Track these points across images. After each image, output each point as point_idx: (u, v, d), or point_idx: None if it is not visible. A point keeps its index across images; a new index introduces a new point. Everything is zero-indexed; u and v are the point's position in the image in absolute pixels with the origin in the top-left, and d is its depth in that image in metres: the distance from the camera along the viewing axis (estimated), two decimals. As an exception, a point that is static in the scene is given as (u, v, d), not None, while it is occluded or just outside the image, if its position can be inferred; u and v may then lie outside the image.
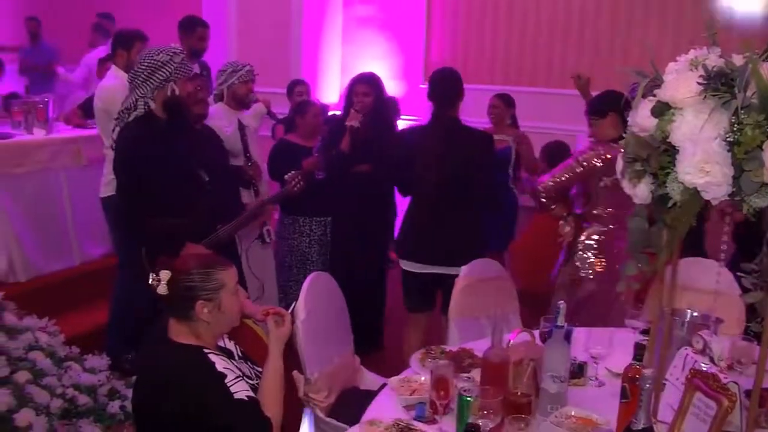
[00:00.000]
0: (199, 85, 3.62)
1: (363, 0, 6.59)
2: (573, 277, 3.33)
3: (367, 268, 4.34)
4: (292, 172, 3.51)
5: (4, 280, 4.14)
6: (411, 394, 2.18)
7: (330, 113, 5.31)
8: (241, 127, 4.07)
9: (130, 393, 3.53)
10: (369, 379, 2.95)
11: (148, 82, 2.87)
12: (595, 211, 3.33)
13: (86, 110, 5.08)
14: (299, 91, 5.10)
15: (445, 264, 3.39)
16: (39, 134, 4.41)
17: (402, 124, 5.56)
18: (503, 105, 5.16)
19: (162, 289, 1.94)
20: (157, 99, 2.90)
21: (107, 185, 3.90)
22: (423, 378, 2.24)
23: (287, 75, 6.00)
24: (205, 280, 1.94)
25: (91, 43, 7.18)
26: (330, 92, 6.71)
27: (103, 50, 6.98)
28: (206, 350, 1.94)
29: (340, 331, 2.87)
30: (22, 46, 7.85)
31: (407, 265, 3.55)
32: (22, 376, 3.30)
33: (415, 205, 3.55)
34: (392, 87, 6.44)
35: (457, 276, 3.24)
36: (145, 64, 2.89)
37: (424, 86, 6.57)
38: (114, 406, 3.42)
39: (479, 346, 2.51)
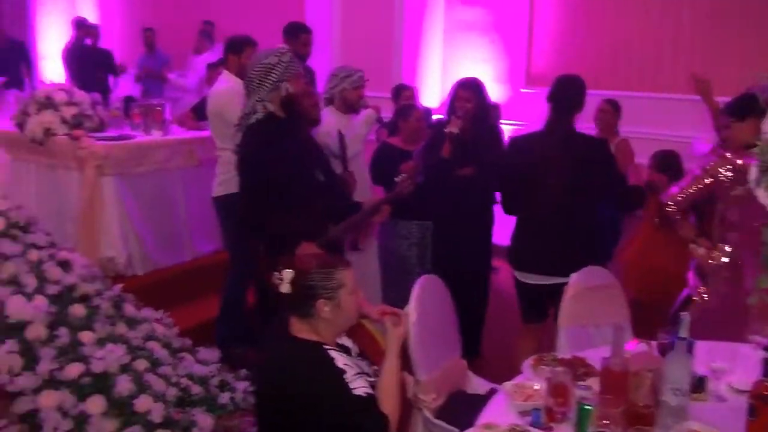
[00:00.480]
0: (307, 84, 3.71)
1: (466, 3, 6.57)
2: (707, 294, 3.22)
3: (467, 273, 4.32)
4: (403, 174, 3.55)
5: (123, 273, 4.36)
6: (525, 400, 2.17)
7: (434, 117, 5.33)
8: (340, 134, 4.15)
9: (239, 385, 3.69)
10: (475, 383, 2.95)
11: (262, 86, 2.98)
12: (722, 225, 3.19)
13: (198, 113, 5.31)
14: (407, 96, 5.15)
15: (559, 274, 3.28)
16: (156, 135, 4.64)
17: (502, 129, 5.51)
18: (612, 110, 5.04)
19: (285, 288, 2.02)
20: (273, 100, 3.00)
21: (220, 185, 4.04)
22: (537, 385, 2.23)
23: (389, 79, 6.07)
24: (325, 279, 2.01)
25: (197, 49, 7.52)
26: (431, 96, 6.74)
27: (208, 56, 7.28)
28: (326, 346, 2.00)
29: (449, 334, 2.89)
30: (139, 54, 8.29)
31: (522, 276, 3.50)
32: (141, 364, 3.48)
33: (531, 214, 3.46)
34: (494, 91, 6.41)
35: None
36: (257, 68, 3.00)
37: (526, 90, 6.58)
38: (224, 397, 3.56)
39: (591, 355, 2.48)
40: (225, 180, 3.97)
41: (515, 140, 3.69)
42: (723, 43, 5.72)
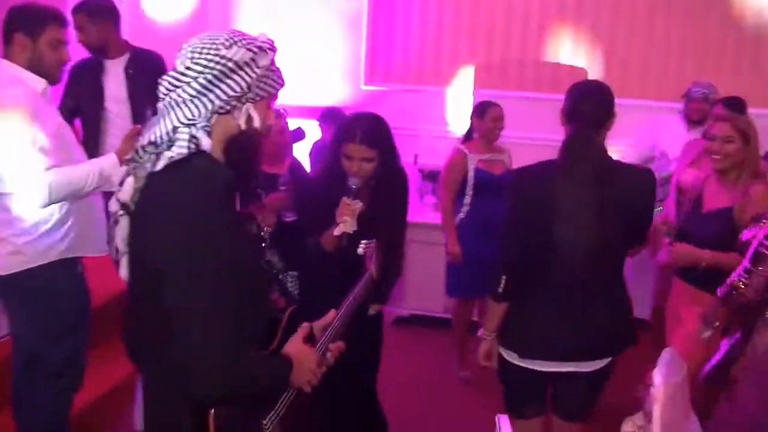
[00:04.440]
0: None
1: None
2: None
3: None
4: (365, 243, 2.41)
5: None
6: None
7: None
8: None
9: None
10: None
11: (201, 99, 1.56)
12: None
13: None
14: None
15: (582, 358, 2.42)
16: None
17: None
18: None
19: None
20: (219, 131, 1.60)
21: (12, 256, 2.53)
22: None
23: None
24: None
25: None
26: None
27: None
28: None
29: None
30: None
31: (523, 362, 2.47)
32: None
33: (542, 281, 2.38)
34: (330, 89, 5.30)
35: (584, 373, 2.44)
36: (200, 62, 1.55)
37: (367, 88, 5.51)
38: None
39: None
40: (20, 248, 2.51)
41: (522, 177, 2.52)
42: (614, 35, 5.22)
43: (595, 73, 5.04)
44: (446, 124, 5.27)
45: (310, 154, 4.82)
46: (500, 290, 2.42)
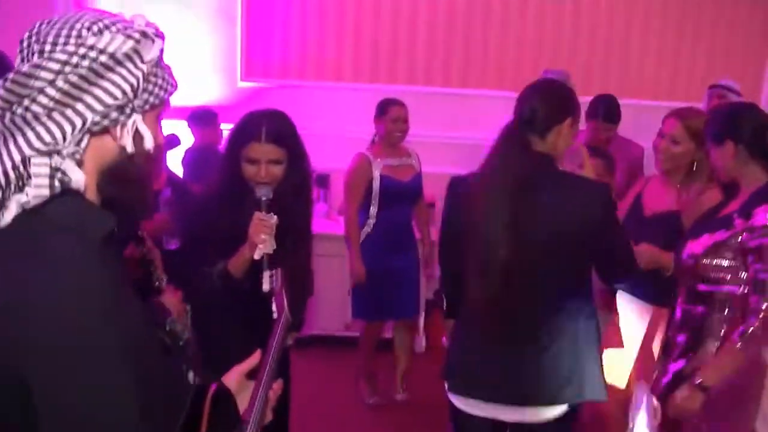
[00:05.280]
0: None
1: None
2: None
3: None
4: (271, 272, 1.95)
5: None
6: None
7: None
8: None
9: None
10: None
11: (63, 111, 1.04)
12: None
13: None
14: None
15: (522, 403, 2.06)
16: None
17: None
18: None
19: None
20: (98, 159, 1.11)
21: None
22: None
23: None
24: None
25: None
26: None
27: None
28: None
29: None
30: None
31: (462, 403, 2.11)
32: None
33: (476, 309, 2.04)
34: (201, 87, 4.70)
35: (534, 425, 2.08)
36: (55, 59, 1.01)
37: (245, 85, 4.96)
38: None
39: None
40: None
41: (453, 186, 2.20)
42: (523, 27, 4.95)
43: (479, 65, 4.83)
44: (336, 123, 4.81)
45: (184, 163, 4.24)
46: (445, 307, 2.33)
